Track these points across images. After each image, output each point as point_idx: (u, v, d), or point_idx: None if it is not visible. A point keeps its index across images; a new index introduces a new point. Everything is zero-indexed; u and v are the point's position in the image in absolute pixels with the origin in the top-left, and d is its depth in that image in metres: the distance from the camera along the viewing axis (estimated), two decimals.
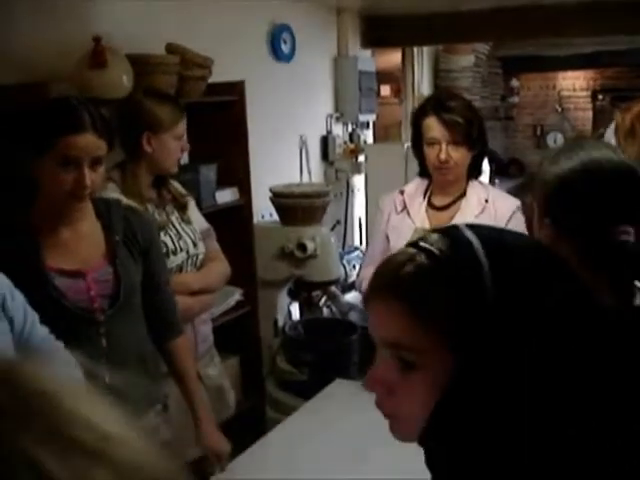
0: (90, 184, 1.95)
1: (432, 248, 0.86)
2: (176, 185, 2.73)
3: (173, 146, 2.56)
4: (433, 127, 2.55)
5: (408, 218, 2.64)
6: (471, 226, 0.89)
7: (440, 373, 0.82)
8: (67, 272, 2.01)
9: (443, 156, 2.52)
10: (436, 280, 0.83)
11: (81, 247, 2.07)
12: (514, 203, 2.59)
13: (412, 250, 0.88)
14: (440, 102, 2.57)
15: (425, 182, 2.70)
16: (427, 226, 2.58)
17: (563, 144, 1.51)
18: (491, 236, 0.87)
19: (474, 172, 2.68)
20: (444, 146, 2.53)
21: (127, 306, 2.11)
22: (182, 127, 2.60)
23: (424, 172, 2.69)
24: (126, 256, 2.13)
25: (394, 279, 0.87)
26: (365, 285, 2.99)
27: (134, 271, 2.15)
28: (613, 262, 1.41)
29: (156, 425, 2.28)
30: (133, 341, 2.15)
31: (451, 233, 0.88)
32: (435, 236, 0.88)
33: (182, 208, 2.67)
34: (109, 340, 2.06)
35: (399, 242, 2.60)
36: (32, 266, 1.95)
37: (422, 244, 0.88)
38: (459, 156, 2.54)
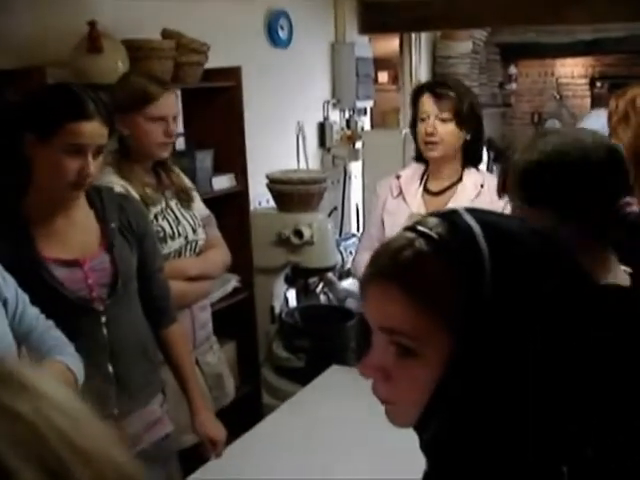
0: (93, 173, 1.94)
1: (431, 232, 0.85)
2: (182, 176, 2.69)
3: (149, 128, 2.44)
4: (425, 102, 2.61)
5: (404, 203, 2.65)
6: (470, 210, 0.88)
7: (438, 358, 0.81)
8: (64, 262, 1.99)
9: (430, 129, 2.57)
10: (435, 265, 0.82)
11: (76, 236, 2.05)
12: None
13: (410, 234, 0.87)
14: (436, 81, 2.64)
15: (422, 168, 2.71)
16: (423, 211, 2.59)
17: (532, 135, 1.49)
18: (490, 220, 0.86)
19: (472, 159, 2.69)
20: (432, 119, 2.57)
21: (125, 294, 2.11)
22: (161, 108, 2.45)
23: (420, 156, 2.70)
24: (122, 244, 2.12)
25: (392, 264, 0.86)
26: (361, 270, 2.99)
27: (130, 259, 2.14)
28: (627, 235, 1.40)
29: (161, 415, 2.29)
30: (133, 329, 2.15)
31: (450, 217, 0.86)
32: (434, 220, 0.87)
33: (187, 201, 2.64)
34: (110, 329, 2.06)
35: (395, 227, 2.60)
36: (28, 256, 1.93)
37: (420, 228, 0.86)
38: (446, 131, 2.57)
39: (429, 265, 0.83)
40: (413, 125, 2.69)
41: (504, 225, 0.86)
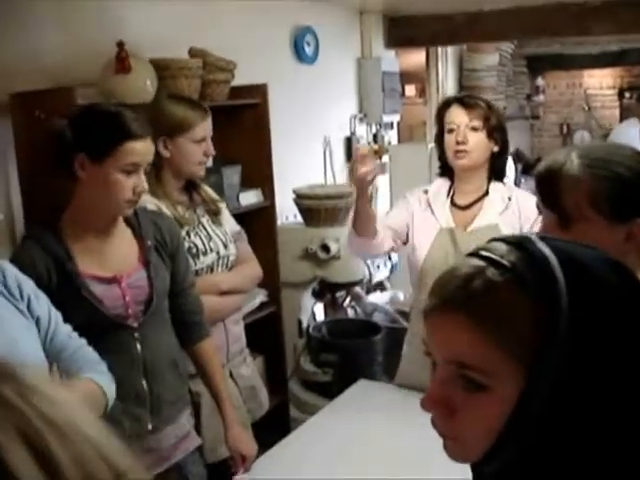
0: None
1: (503, 261, 0.80)
2: (209, 191, 2.73)
3: (192, 150, 2.53)
4: (454, 113, 2.61)
5: (432, 217, 2.66)
6: (543, 237, 0.84)
7: (509, 394, 0.78)
8: (101, 279, 2.02)
9: (460, 137, 2.57)
10: (509, 296, 0.78)
11: (113, 253, 2.08)
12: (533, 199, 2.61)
13: (478, 262, 0.82)
14: (464, 94, 2.67)
15: (447, 182, 2.72)
16: (451, 225, 2.60)
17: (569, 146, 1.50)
18: (564, 249, 0.81)
19: (497, 173, 2.70)
20: (462, 128, 2.58)
21: (158, 311, 2.14)
22: (201, 130, 2.54)
23: (445, 170, 2.71)
24: (157, 261, 2.15)
25: (462, 294, 0.81)
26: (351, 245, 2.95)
27: (165, 276, 2.18)
28: None
29: (190, 430, 2.32)
30: (165, 345, 2.18)
31: (522, 245, 0.82)
32: (503, 247, 0.83)
33: (215, 214, 2.68)
34: (143, 346, 2.09)
35: (423, 241, 2.62)
36: (68, 272, 1.96)
37: (489, 255, 0.82)
38: (476, 141, 2.57)
39: (502, 295, 0.78)
40: (439, 139, 2.69)
41: (578, 255, 0.81)
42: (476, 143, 2.58)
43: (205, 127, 2.56)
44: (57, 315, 1.77)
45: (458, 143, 2.57)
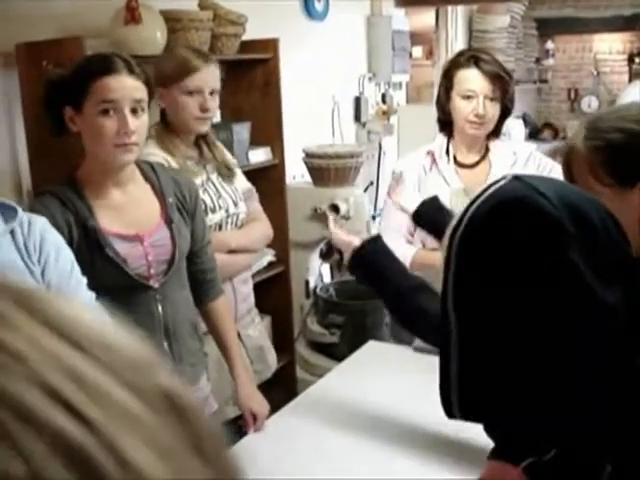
0: (135, 130, 1.87)
1: None
2: (225, 153, 2.66)
3: (183, 101, 2.42)
4: (472, 79, 2.49)
5: (440, 177, 2.59)
6: None
7: None
8: (124, 237, 1.96)
9: (481, 110, 2.47)
10: None
11: (134, 210, 2.01)
12: (531, 146, 2.77)
13: None
14: (478, 55, 2.52)
15: (445, 139, 2.64)
16: (460, 185, 2.54)
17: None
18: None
19: (496, 133, 2.64)
20: (481, 99, 2.48)
21: (179, 271, 2.09)
22: (195, 81, 2.42)
23: (445, 128, 2.64)
24: (179, 219, 2.09)
25: None
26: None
27: (187, 234, 2.12)
28: None
29: (208, 393, 2.28)
30: (184, 306, 2.13)
31: None
32: None
33: (228, 177, 2.61)
34: (164, 306, 2.04)
35: None
36: (88, 230, 1.89)
37: None
38: (493, 112, 2.51)
39: None
40: (444, 97, 2.58)
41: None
42: (493, 115, 2.51)
43: (201, 78, 2.44)
44: (79, 281, 1.68)
45: (477, 115, 2.49)
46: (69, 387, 0.29)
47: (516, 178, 0.90)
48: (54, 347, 0.30)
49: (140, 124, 1.90)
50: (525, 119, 7.94)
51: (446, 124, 2.62)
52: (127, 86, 1.87)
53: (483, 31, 6.77)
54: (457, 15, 6.53)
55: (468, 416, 0.87)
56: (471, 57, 2.53)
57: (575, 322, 0.78)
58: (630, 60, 8.50)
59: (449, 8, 6.28)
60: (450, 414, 0.88)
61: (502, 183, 0.91)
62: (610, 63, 8.66)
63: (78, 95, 1.87)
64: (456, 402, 0.86)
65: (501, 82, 2.49)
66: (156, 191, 2.08)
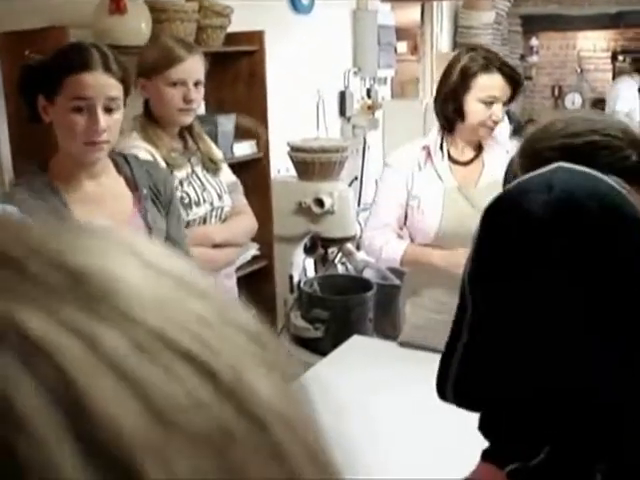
0: (106, 129, 1.85)
1: None
2: (211, 145, 2.64)
3: (167, 93, 2.39)
4: (495, 85, 2.42)
5: (434, 174, 2.55)
6: None
7: None
8: None
9: (500, 115, 2.43)
10: None
11: (108, 202, 1.99)
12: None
13: None
14: (496, 58, 2.45)
15: (439, 135, 2.59)
16: (453, 183, 2.52)
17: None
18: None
19: None
20: (500, 105, 2.43)
21: None
22: (177, 72, 2.38)
23: (447, 125, 2.58)
24: (154, 211, 2.07)
25: None
26: (375, 249, 2.87)
27: (162, 225, 2.09)
28: None
29: None
30: None
31: None
32: None
33: (214, 171, 2.59)
34: None
35: (432, 203, 2.49)
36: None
37: None
38: (503, 114, 2.48)
39: None
40: (457, 98, 2.46)
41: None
42: (503, 117, 2.50)
43: (184, 69, 2.40)
44: None
45: (495, 121, 2.46)
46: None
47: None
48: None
49: (113, 122, 1.88)
50: (509, 115, 7.95)
51: (450, 122, 2.56)
52: (102, 84, 1.85)
53: (468, 27, 6.78)
54: (442, 11, 6.54)
55: (461, 397, 0.86)
56: (494, 59, 2.44)
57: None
58: (614, 58, 8.55)
59: (434, 3, 6.29)
60: (442, 393, 0.88)
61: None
62: (594, 61, 8.70)
63: (52, 87, 1.85)
64: (452, 380, 0.85)
65: (518, 87, 2.47)
66: (129, 183, 2.06)
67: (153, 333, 0.27)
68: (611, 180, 0.84)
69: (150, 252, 0.32)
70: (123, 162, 2.07)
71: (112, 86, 1.87)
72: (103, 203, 1.99)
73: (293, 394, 0.31)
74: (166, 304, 0.29)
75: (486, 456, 1.15)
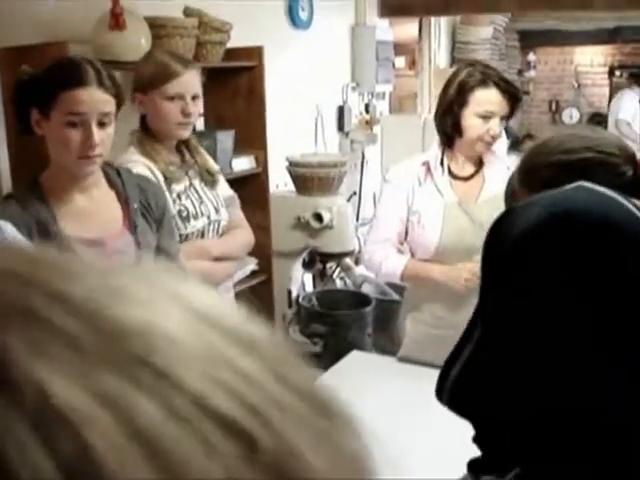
0: (100, 143, 1.88)
1: None
2: (209, 160, 2.63)
3: (164, 107, 2.38)
4: (492, 100, 2.42)
5: (434, 189, 2.54)
6: None
7: None
8: (87, 241, 1.94)
9: (498, 130, 2.43)
10: None
11: (98, 215, 2.00)
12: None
13: None
14: (493, 73, 2.46)
15: (439, 150, 2.59)
16: (454, 198, 2.51)
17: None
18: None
19: None
20: (497, 120, 2.43)
21: None
22: (176, 86, 2.38)
23: (447, 141, 2.58)
24: (144, 225, 2.07)
25: None
26: (375, 264, 2.85)
27: (152, 241, 2.10)
28: None
29: None
30: None
31: None
32: None
33: (211, 184, 2.59)
34: None
35: (432, 218, 2.49)
36: (50, 235, 1.88)
37: None
38: (501, 129, 2.48)
39: None
40: (455, 113, 2.46)
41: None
42: (501, 132, 2.50)
43: (182, 83, 2.40)
44: None
45: (493, 136, 2.46)
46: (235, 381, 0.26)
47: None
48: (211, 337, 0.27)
49: (105, 136, 1.90)
50: (507, 130, 7.97)
51: (449, 137, 2.57)
52: (96, 99, 1.87)
53: (466, 42, 6.81)
54: (440, 26, 6.56)
55: (455, 403, 0.86)
56: (492, 74, 2.45)
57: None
58: (611, 73, 8.58)
59: (432, 19, 6.30)
60: (439, 393, 0.88)
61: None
62: (591, 76, 8.73)
63: (46, 101, 1.86)
64: (451, 383, 0.85)
65: (516, 103, 2.47)
66: (120, 196, 2.06)
67: (194, 399, 0.24)
68: (627, 201, 0.84)
69: (194, 297, 0.29)
70: (115, 175, 2.07)
71: (106, 102, 1.89)
72: (93, 217, 2.00)
73: (349, 470, 0.28)
74: (211, 362, 0.26)
75: (472, 467, 1.14)
